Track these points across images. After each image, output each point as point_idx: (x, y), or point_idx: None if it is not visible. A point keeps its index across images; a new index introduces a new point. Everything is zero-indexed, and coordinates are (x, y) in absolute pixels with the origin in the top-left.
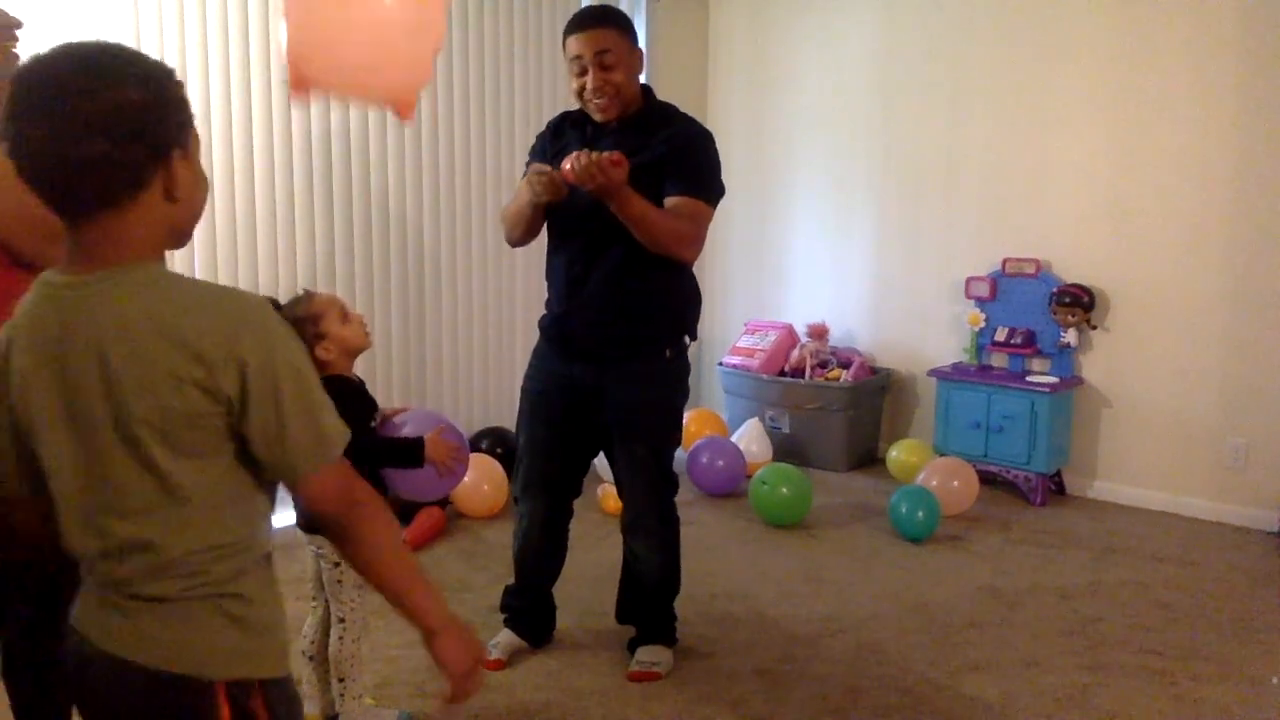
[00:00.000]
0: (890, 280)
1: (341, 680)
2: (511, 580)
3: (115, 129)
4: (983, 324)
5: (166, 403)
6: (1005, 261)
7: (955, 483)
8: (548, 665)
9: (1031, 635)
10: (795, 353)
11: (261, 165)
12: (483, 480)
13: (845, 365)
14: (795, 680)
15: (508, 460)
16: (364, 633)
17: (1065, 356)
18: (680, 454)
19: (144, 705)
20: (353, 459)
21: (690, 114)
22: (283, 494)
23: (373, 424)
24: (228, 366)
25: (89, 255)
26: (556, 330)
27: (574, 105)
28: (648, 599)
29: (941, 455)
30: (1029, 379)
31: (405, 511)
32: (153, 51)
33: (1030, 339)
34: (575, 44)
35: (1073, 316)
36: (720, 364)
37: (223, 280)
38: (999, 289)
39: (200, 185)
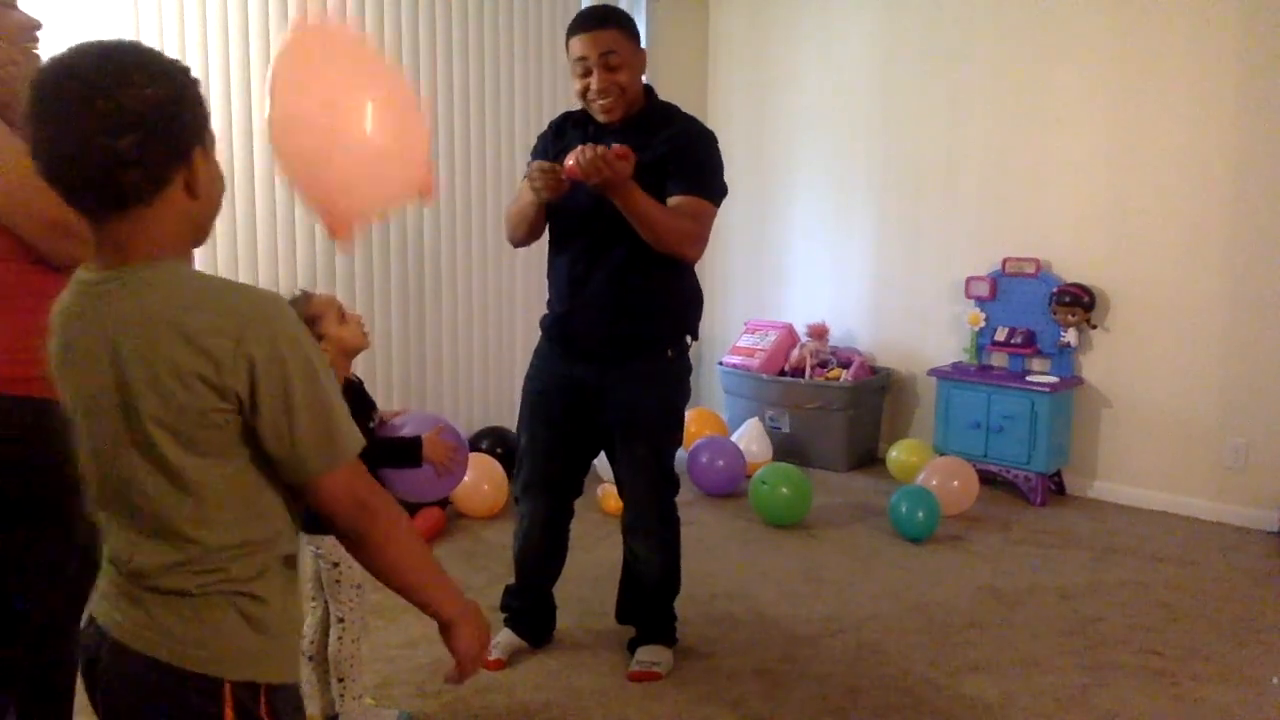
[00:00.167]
0: (890, 280)
1: (341, 680)
2: (512, 580)
3: (136, 128)
4: (983, 324)
5: (175, 399)
6: (1005, 261)
7: (955, 483)
8: (548, 665)
9: (1031, 635)
10: (795, 352)
11: (261, 165)
12: (483, 480)
13: (845, 365)
14: (795, 680)
15: (508, 460)
16: (363, 633)
17: (1065, 356)
18: (680, 454)
19: (151, 698)
20: None
21: (691, 114)
22: None
23: (371, 425)
24: (236, 364)
25: (115, 252)
26: (558, 330)
27: (575, 105)
28: (648, 599)
29: (941, 455)
30: (1029, 379)
31: (405, 511)
32: None
33: (1030, 339)
34: (579, 45)
35: (1073, 316)
36: (720, 364)
37: None
38: (999, 289)
39: (218, 181)
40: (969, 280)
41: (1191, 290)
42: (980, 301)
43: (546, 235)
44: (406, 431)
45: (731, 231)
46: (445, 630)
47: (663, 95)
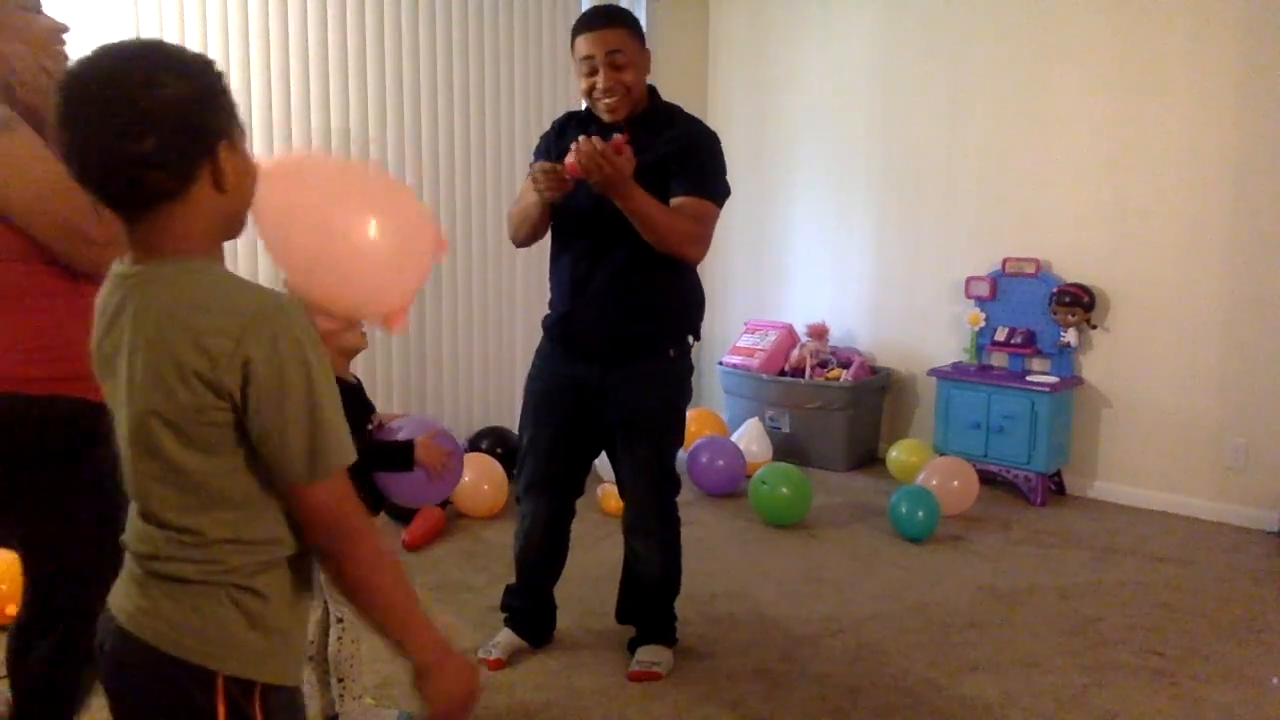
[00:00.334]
0: (890, 280)
1: (341, 680)
2: (512, 580)
3: (161, 125)
4: (983, 324)
5: (176, 395)
6: (1005, 261)
7: (955, 483)
8: (548, 665)
9: (1031, 635)
10: (795, 352)
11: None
12: (483, 480)
13: (845, 365)
14: (795, 680)
15: (508, 460)
16: (363, 633)
17: (1065, 356)
18: (680, 454)
19: (149, 685)
20: None
21: (694, 115)
22: None
23: (369, 427)
24: (232, 362)
25: (146, 247)
26: (560, 330)
27: (575, 105)
28: (648, 599)
29: (941, 455)
30: (1029, 379)
31: (405, 512)
32: None
33: (1030, 339)
34: (585, 44)
35: (1073, 316)
36: (720, 364)
37: None
38: (999, 289)
39: (249, 175)
40: (969, 280)
41: (1191, 290)
42: (980, 301)
43: (548, 235)
44: (403, 435)
45: (731, 231)
46: (419, 676)
47: (662, 95)
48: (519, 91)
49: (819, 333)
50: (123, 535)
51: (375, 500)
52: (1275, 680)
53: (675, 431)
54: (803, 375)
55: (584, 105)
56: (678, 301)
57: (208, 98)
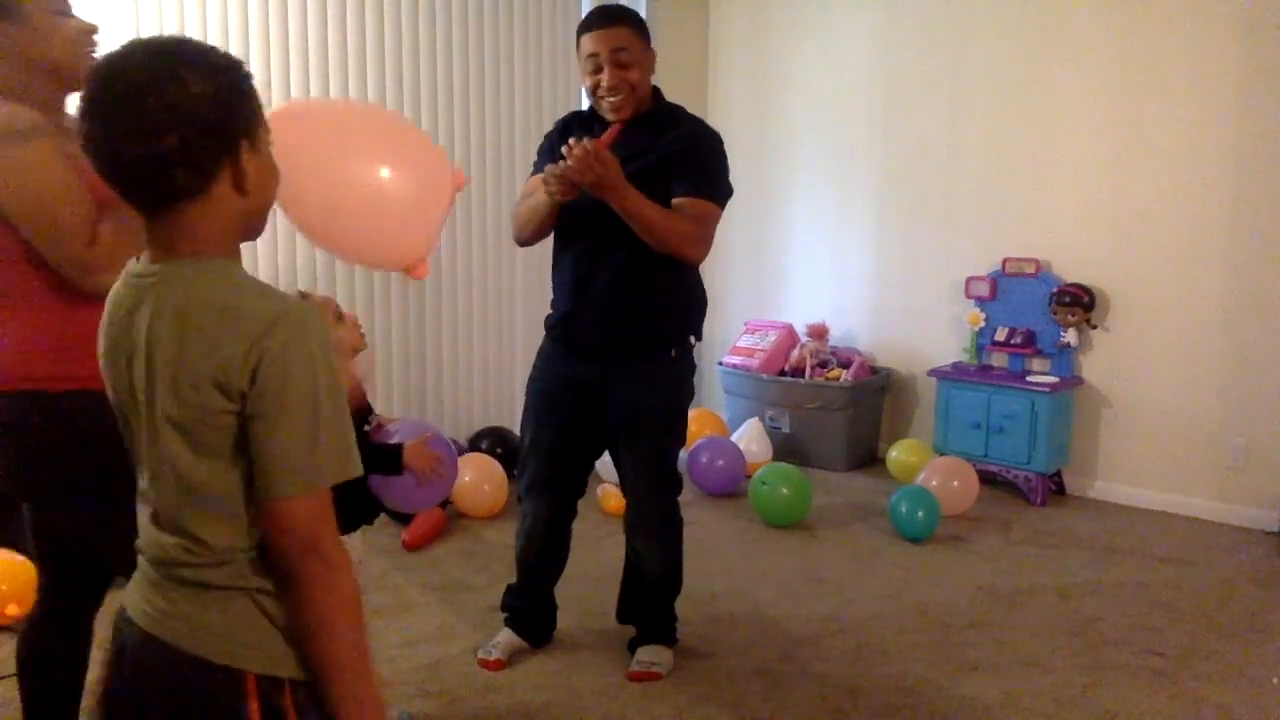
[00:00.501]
0: (890, 280)
1: None
2: (513, 580)
3: (184, 123)
4: (983, 324)
5: (187, 399)
6: (1005, 261)
7: (955, 483)
8: (548, 665)
9: (1031, 635)
10: (795, 352)
11: None
12: (483, 480)
13: (845, 365)
14: (795, 680)
15: (508, 460)
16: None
17: (1065, 356)
18: (680, 454)
19: (176, 688)
20: None
21: (697, 115)
22: None
23: (366, 428)
24: (245, 364)
25: (163, 246)
26: (562, 330)
27: (576, 105)
28: (649, 599)
29: (941, 455)
30: (1029, 379)
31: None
32: None
33: (1030, 339)
34: (591, 42)
35: (1073, 316)
36: (720, 364)
37: None
38: (999, 289)
39: (271, 176)
40: (969, 280)
41: (1191, 290)
42: (980, 301)
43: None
44: (398, 439)
45: (731, 231)
46: None
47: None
48: (519, 91)
49: (819, 333)
50: (136, 540)
51: (371, 508)
52: (1275, 680)
53: (677, 431)
54: (803, 375)
55: (586, 105)
56: (679, 301)
57: (232, 97)
